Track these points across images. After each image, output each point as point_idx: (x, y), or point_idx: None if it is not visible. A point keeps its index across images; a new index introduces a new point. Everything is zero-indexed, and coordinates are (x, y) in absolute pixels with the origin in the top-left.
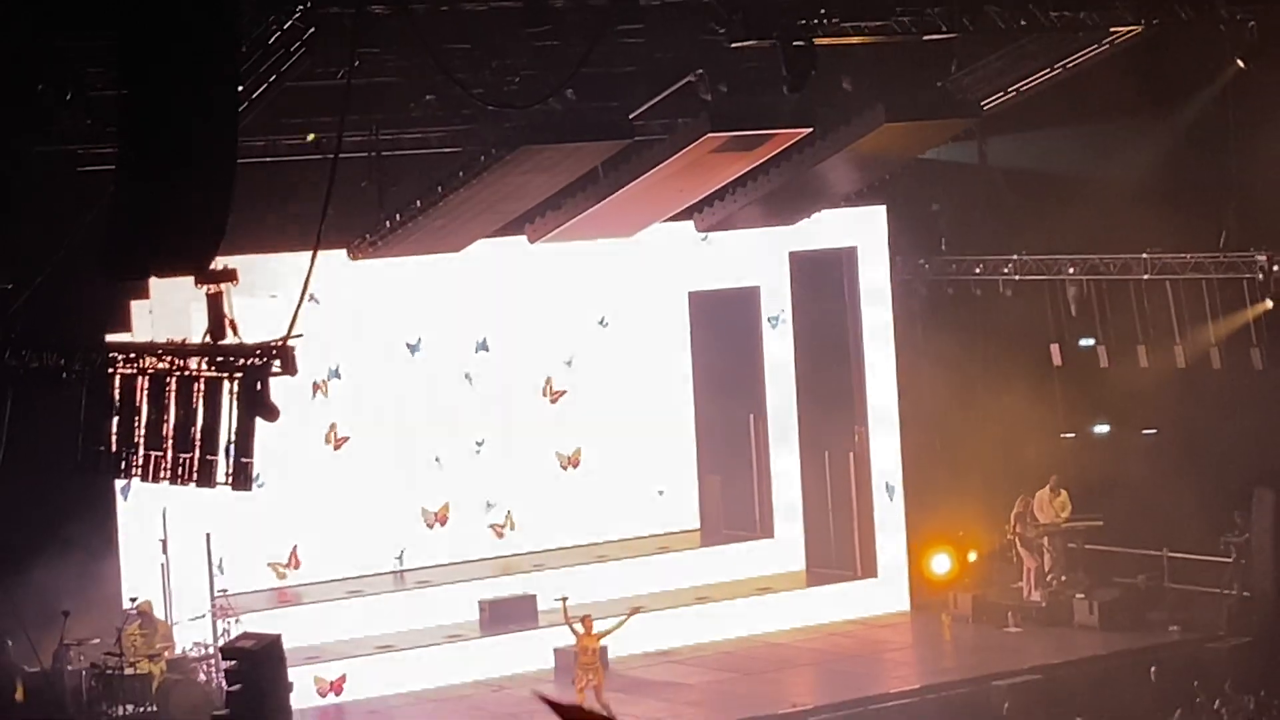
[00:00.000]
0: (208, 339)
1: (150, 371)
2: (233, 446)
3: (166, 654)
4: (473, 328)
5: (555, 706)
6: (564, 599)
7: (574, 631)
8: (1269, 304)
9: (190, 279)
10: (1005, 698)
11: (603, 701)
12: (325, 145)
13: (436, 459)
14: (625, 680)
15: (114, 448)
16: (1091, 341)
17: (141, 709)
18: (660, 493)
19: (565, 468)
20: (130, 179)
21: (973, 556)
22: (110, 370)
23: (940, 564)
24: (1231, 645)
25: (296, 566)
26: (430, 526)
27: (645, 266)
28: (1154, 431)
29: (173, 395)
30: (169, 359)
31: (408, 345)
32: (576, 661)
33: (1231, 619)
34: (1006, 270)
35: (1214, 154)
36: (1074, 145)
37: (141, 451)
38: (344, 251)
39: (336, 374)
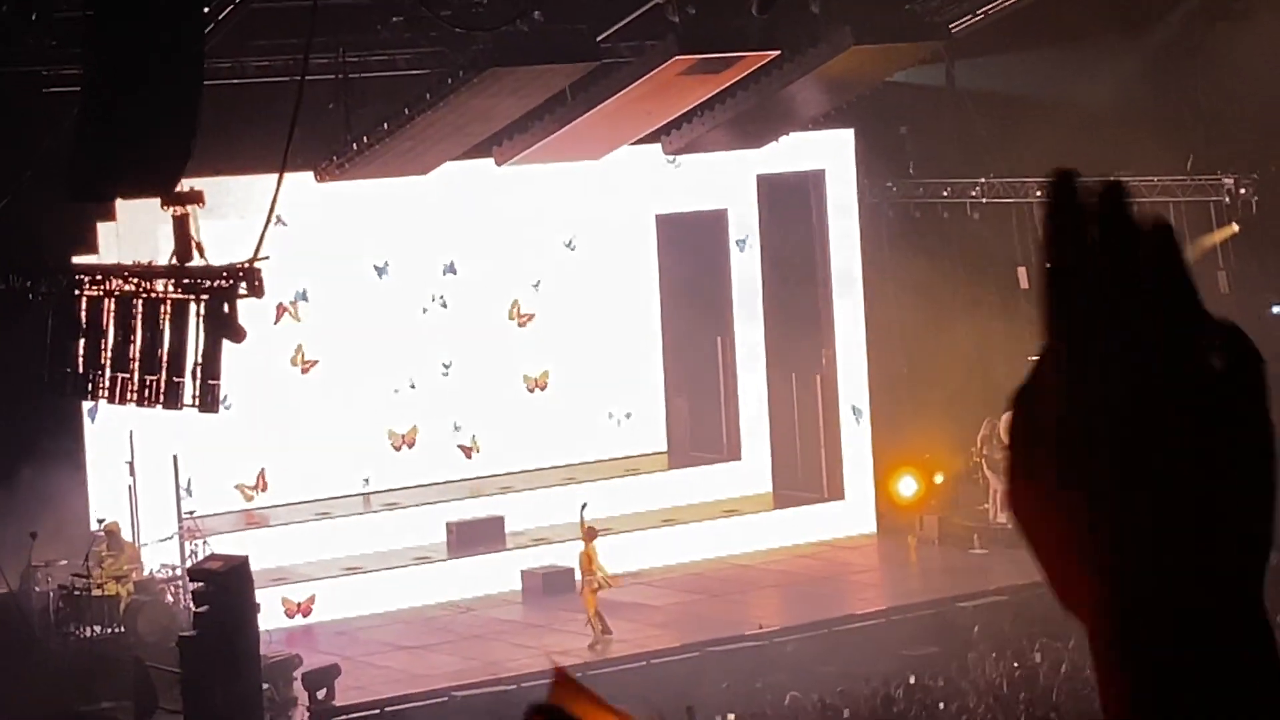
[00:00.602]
0: (174, 261)
1: (117, 294)
2: (199, 369)
3: (134, 575)
4: (440, 250)
5: (558, 683)
6: (584, 505)
7: (584, 538)
8: (1235, 227)
9: (156, 201)
10: (972, 619)
11: (597, 610)
12: (292, 67)
13: (404, 382)
14: None
15: (81, 370)
16: None
17: (109, 630)
18: (627, 415)
19: (532, 390)
20: (96, 101)
21: (939, 479)
22: (77, 293)
23: (906, 486)
24: None
25: (264, 489)
26: (398, 449)
27: (613, 189)
28: None
29: (139, 317)
30: (135, 281)
31: (375, 268)
32: (580, 568)
33: None
34: (974, 193)
35: (1182, 77)
36: (1042, 68)
37: (108, 373)
38: (311, 174)
39: (304, 297)
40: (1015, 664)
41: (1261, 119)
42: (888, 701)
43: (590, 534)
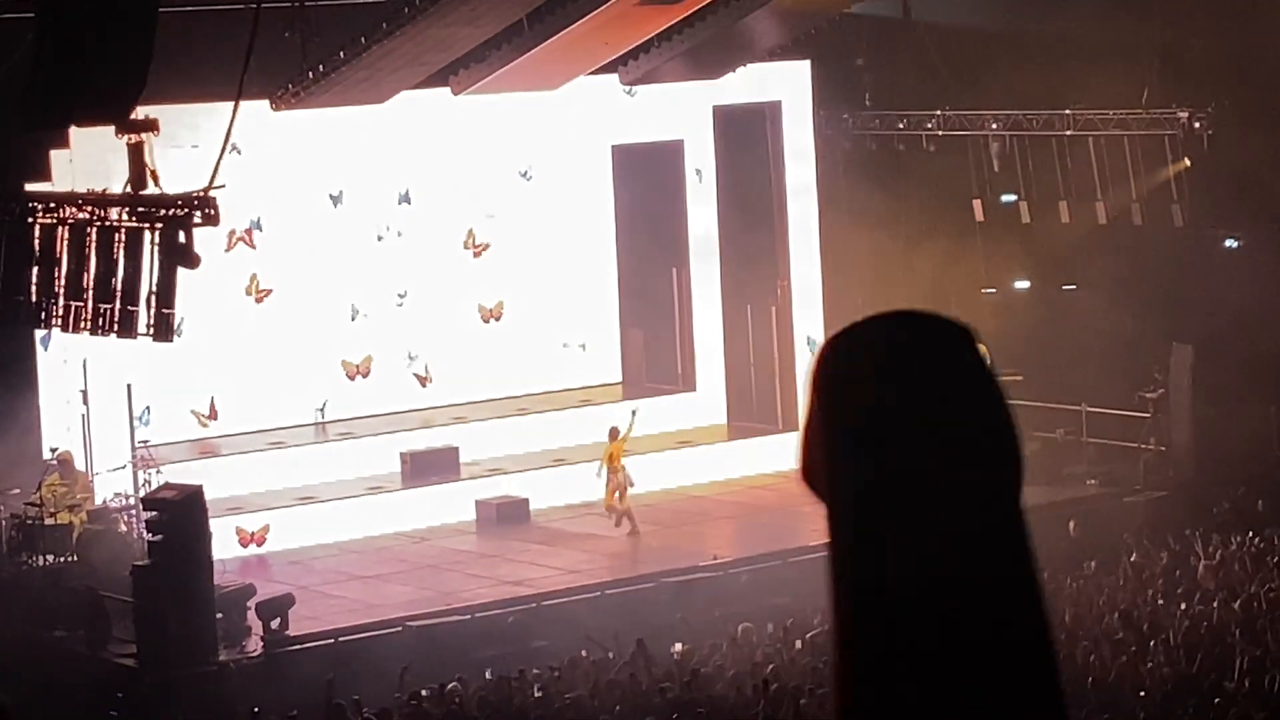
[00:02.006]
0: (129, 189)
1: (71, 221)
2: (154, 297)
3: (87, 505)
4: (395, 180)
5: None
6: (635, 411)
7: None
8: (1188, 161)
9: (111, 128)
10: None
11: (625, 508)
12: None
13: (358, 311)
14: (546, 532)
15: (34, 298)
16: (1014, 197)
17: (62, 559)
18: (582, 346)
19: (487, 321)
20: (50, 29)
21: None
22: (30, 220)
23: None
24: (1148, 499)
25: (214, 417)
26: (352, 378)
27: (569, 119)
28: (1074, 287)
29: (93, 245)
30: (90, 209)
31: (330, 197)
32: (609, 468)
33: (1148, 473)
34: (930, 126)
35: (1138, 11)
36: (999, 1)
37: (62, 302)
38: (267, 102)
39: (258, 225)
40: None
41: (1216, 52)
42: None
43: (613, 433)
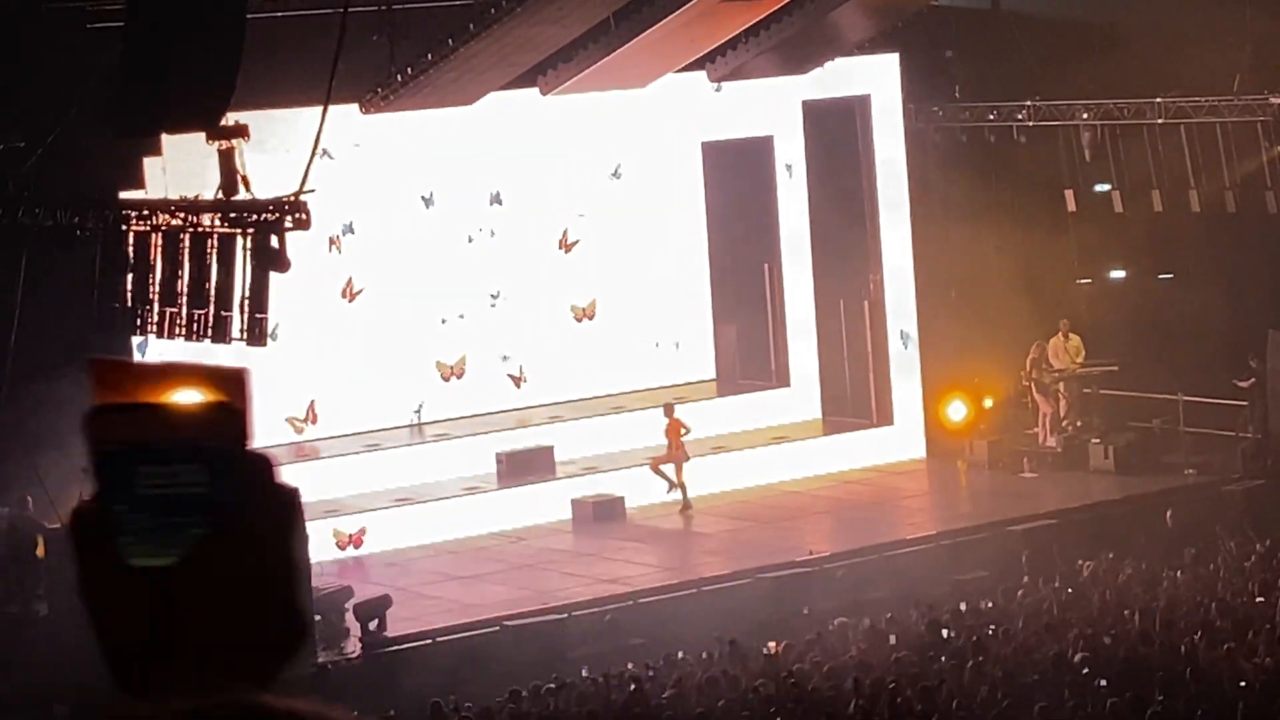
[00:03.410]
0: (220, 195)
1: (164, 228)
2: (247, 302)
3: None
4: (486, 181)
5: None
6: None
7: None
8: None
9: (202, 135)
10: (1022, 543)
11: (680, 481)
12: None
13: (452, 312)
14: (642, 530)
15: (129, 305)
16: (1106, 187)
17: None
18: (675, 344)
19: (580, 320)
20: (141, 36)
21: (988, 403)
22: (124, 228)
23: (956, 411)
24: (1246, 487)
25: (314, 421)
26: (446, 380)
27: (658, 117)
28: (1169, 276)
29: (187, 252)
30: (182, 216)
31: (422, 199)
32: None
33: (1246, 461)
34: (1021, 116)
35: None
36: None
37: (156, 308)
38: (355, 106)
39: (351, 229)
40: (1066, 588)
41: None
42: (935, 626)
43: (668, 409)
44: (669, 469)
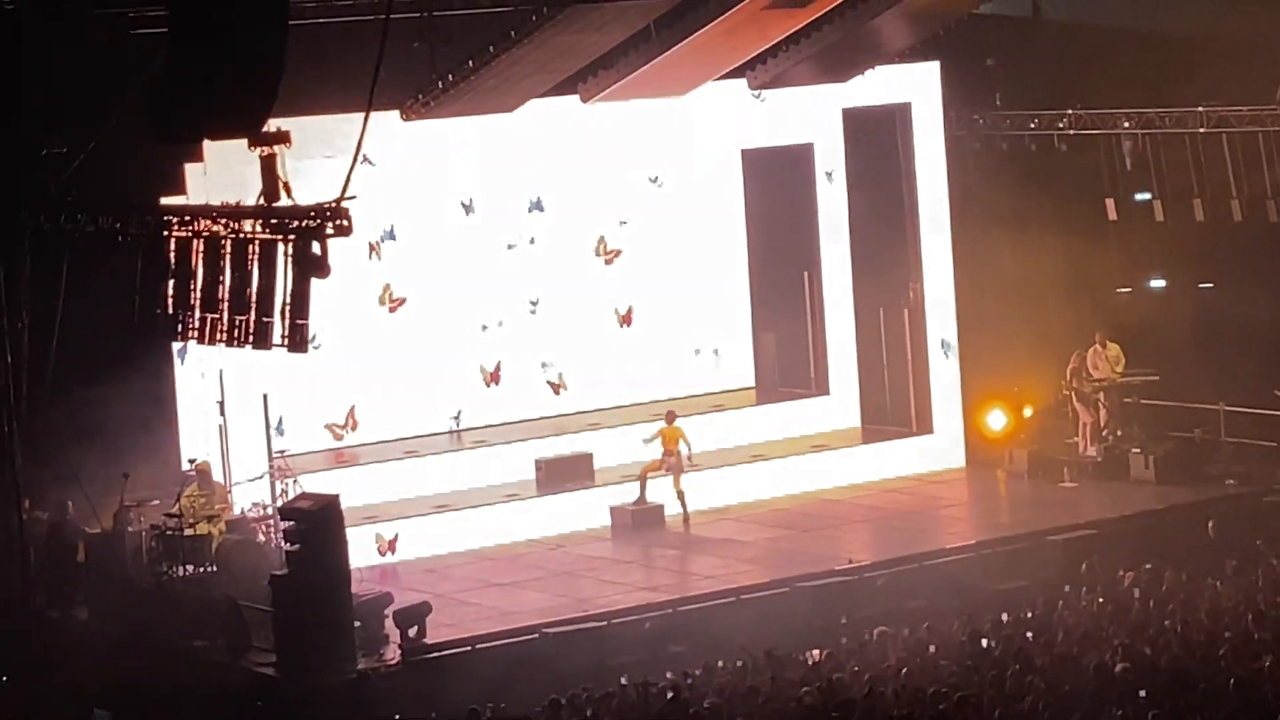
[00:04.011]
0: (261, 201)
1: (205, 234)
2: (288, 308)
3: (225, 515)
4: (527, 187)
5: None
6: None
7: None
8: None
9: (244, 141)
10: (1062, 553)
11: (679, 490)
12: (377, 5)
13: (492, 319)
14: (682, 537)
15: (170, 311)
16: (1147, 195)
17: (201, 569)
18: (715, 351)
19: (620, 326)
20: (183, 42)
21: (1028, 412)
22: (165, 233)
23: (996, 420)
24: None
25: (354, 428)
26: (486, 386)
27: (698, 124)
28: (1210, 285)
29: (228, 258)
30: (224, 222)
31: (462, 205)
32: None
33: None
34: (1062, 125)
35: (1270, 5)
36: None
37: (198, 314)
38: (396, 113)
39: (391, 235)
40: (1106, 598)
41: None
42: (976, 636)
43: (670, 416)
44: (666, 481)
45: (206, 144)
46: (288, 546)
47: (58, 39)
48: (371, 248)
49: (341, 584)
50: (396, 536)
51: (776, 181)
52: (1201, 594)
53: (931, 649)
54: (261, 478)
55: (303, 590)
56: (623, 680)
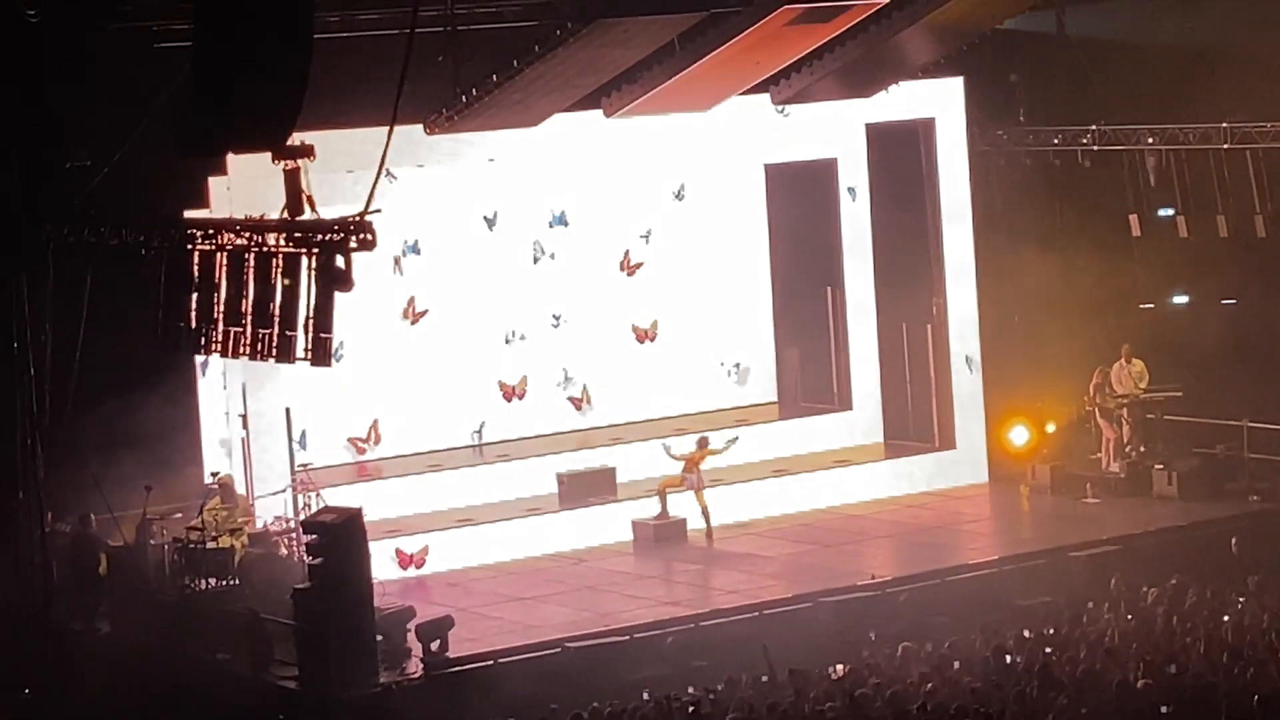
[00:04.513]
0: (285, 215)
1: (229, 248)
2: (311, 322)
3: (248, 528)
4: (550, 201)
5: None
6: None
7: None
8: None
9: (267, 155)
10: (1085, 569)
11: (703, 505)
12: (401, 20)
13: (514, 333)
14: (705, 552)
15: (193, 324)
16: (1171, 211)
17: (224, 582)
18: (737, 365)
19: (642, 341)
20: (207, 57)
21: (1051, 428)
22: (189, 247)
23: (1019, 435)
24: None
25: (377, 441)
26: (508, 400)
27: (722, 139)
28: (1233, 301)
29: (251, 271)
30: (247, 235)
31: (485, 219)
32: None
33: None
34: (1085, 140)
35: None
36: (1152, 13)
37: (221, 327)
38: (420, 126)
39: (414, 249)
40: (1129, 615)
41: None
42: (999, 652)
43: (702, 442)
44: (687, 495)
45: (230, 157)
46: (310, 560)
47: (82, 52)
48: (395, 261)
49: (364, 597)
50: (425, 549)
51: (800, 196)
52: (1225, 610)
53: (955, 665)
54: (284, 491)
55: (325, 604)
56: (645, 695)
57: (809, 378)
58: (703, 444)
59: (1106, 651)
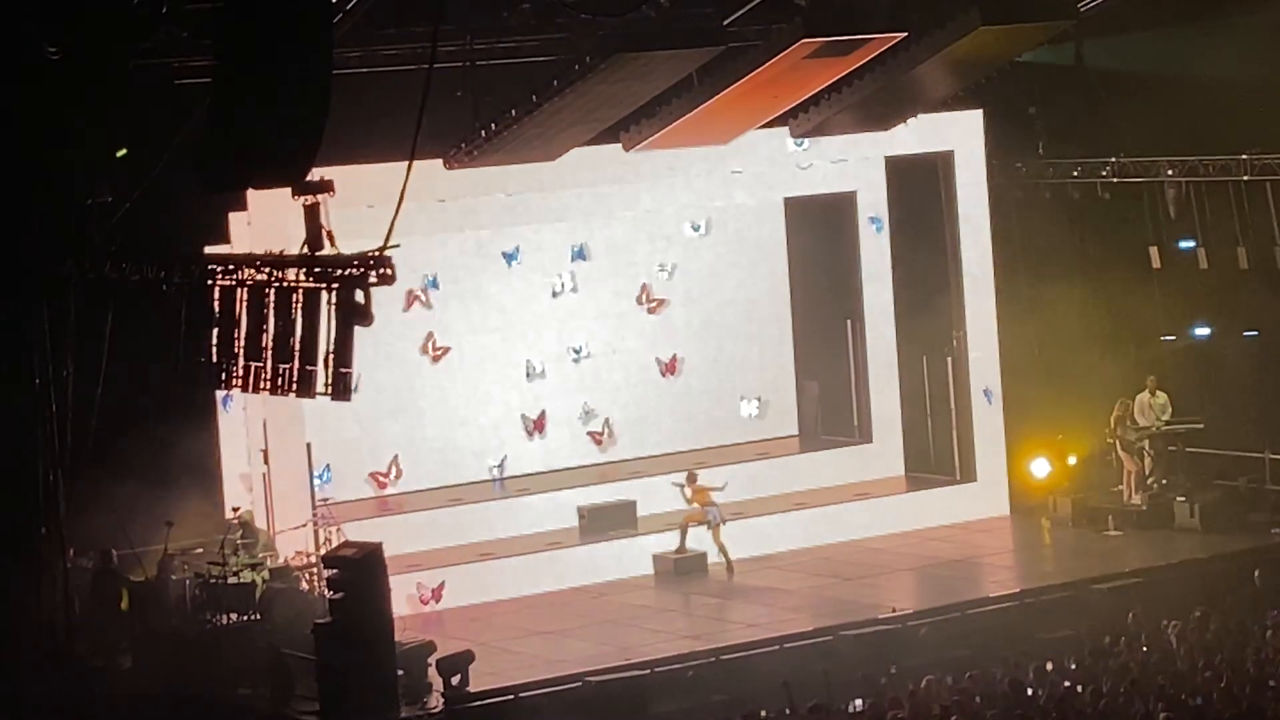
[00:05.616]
0: (305, 250)
1: (249, 283)
2: (331, 357)
3: (268, 563)
4: (569, 236)
5: None
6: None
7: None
8: None
9: (287, 190)
10: (1107, 602)
11: (719, 543)
12: (420, 55)
13: (535, 367)
14: (725, 585)
15: (214, 359)
16: (1191, 243)
17: (245, 617)
18: (758, 399)
19: (663, 375)
20: (227, 92)
21: (1072, 460)
22: (209, 282)
23: (1040, 468)
24: None
25: (398, 476)
26: (529, 434)
27: (741, 172)
28: (1255, 333)
29: (271, 306)
30: (267, 270)
31: (504, 254)
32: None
33: None
34: (1104, 173)
35: None
36: (1171, 46)
37: (241, 362)
38: (440, 161)
39: (434, 284)
40: (1151, 647)
41: None
42: (1020, 685)
43: (690, 477)
44: (700, 532)
45: (251, 193)
46: (331, 594)
47: (103, 89)
48: (415, 296)
49: (385, 632)
50: (444, 584)
51: (819, 229)
52: (1248, 643)
53: (976, 699)
54: (305, 526)
55: (346, 638)
56: None
57: (829, 410)
58: (691, 479)
59: (1129, 685)
